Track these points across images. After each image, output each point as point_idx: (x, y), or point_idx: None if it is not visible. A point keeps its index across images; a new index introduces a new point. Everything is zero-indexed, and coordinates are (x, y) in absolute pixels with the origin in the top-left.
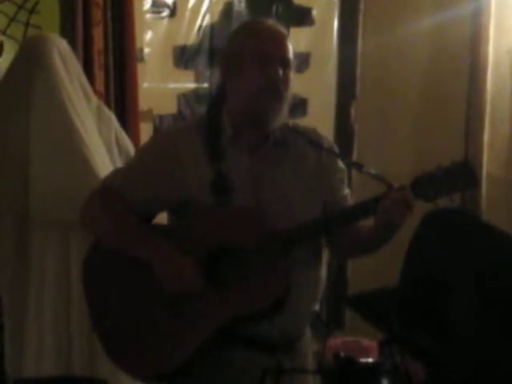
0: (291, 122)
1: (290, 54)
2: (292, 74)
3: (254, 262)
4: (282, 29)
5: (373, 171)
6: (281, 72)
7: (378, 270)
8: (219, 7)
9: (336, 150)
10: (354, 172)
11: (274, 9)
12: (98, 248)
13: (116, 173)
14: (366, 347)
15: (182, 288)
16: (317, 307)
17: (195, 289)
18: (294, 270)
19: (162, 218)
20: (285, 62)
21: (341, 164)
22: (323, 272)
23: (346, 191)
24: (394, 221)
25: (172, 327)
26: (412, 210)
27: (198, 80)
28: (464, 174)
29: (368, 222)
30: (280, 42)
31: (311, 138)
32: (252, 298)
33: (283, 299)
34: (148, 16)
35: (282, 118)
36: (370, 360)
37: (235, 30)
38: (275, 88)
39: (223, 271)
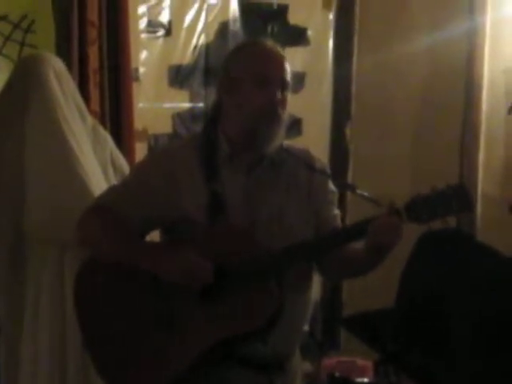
0: (285, 142)
1: (289, 77)
2: (289, 96)
3: (248, 282)
4: (281, 51)
5: (366, 193)
6: (279, 94)
7: (373, 290)
8: (214, 27)
9: (328, 171)
10: (348, 193)
11: (269, 29)
12: (90, 265)
13: (111, 190)
14: (361, 367)
15: (194, 278)
16: (306, 327)
17: (207, 276)
18: (286, 291)
19: (154, 236)
20: (284, 85)
21: (332, 186)
22: (313, 292)
23: (336, 212)
24: (384, 244)
25: (166, 345)
26: (401, 234)
27: (193, 100)
28: (459, 197)
29: (359, 244)
30: (280, 64)
31: (304, 160)
32: (245, 318)
33: (276, 319)
34: (143, 35)
35: (280, 140)
36: (366, 380)
37: (234, 50)
38: (274, 111)
39: (217, 290)
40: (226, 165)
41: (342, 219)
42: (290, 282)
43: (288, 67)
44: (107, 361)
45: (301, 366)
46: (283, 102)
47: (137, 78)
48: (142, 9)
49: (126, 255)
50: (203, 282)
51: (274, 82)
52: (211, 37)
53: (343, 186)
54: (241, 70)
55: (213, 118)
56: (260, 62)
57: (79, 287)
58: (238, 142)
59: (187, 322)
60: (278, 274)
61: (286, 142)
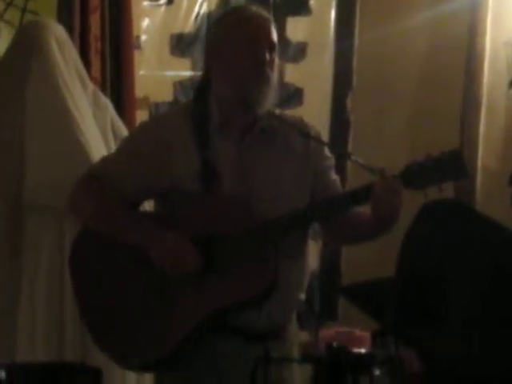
0: (277, 110)
1: (275, 39)
2: (277, 59)
3: (243, 251)
4: (266, 14)
5: (360, 160)
6: (268, 55)
7: (371, 260)
8: None
9: (322, 138)
10: (348, 163)
11: None
12: (86, 234)
13: (104, 160)
14: (358, 338)
15: (183, 269)
16: (303, 296)
17: (196, 269)
18: (281, 259)
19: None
20: (271, 46)
21: (327, 151)
22: (309, 261)
23: (335, 176)
24: (385, 208)
25: (160, 315)
26: (400, 198)
27: (194, 68)
28: (453, 163)
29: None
30: (265, 26)
31: (299, 127)
32: (240, 288)
33: (271, 288)
34: (145, 3)
35: (270, 102)
36: (363, 350)
37: (219, 17)
38: (263, 71)
39: (212, 260)
40: (218, 133)
41: (342, 187)
42: (285, 250)
43: (274, 29)
44: (101, 330)
45: (297, 335)
46: (271, 63)
47: (138, 46)
48: None
49: (116, 233)
50: (189, 270)
51: (260, 42)
52: (213, 5)
53: (338, 154)
54: (227, 34)
55: (203, 86)
56: (246, 24)
57: (75, 256)
58: (229, 106)
59: (182, 293)
60: (274, 243)
61: (278, 111)
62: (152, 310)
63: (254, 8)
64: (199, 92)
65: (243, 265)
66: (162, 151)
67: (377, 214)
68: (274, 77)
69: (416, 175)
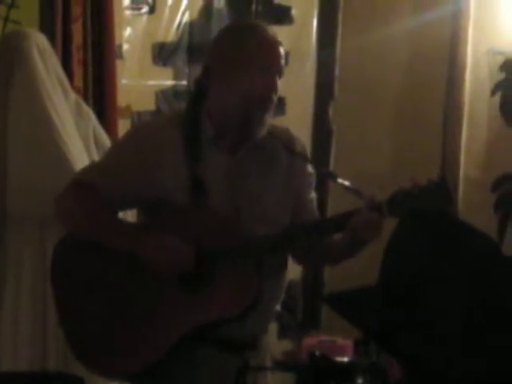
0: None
1: (283, 62)
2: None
3: (228, 268)
4: (276, 36)
5: (346, 183)
6: (277, 81)
7: (354, 269)
8: (199, 5)
9: (307, 154)
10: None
11: (253, 7)
12: (68, 243)
13: (90, 167)
14: (341, 347)
15: (175, 267)
16: (279, 307)
17: (189, 264)
18: (264, 275)
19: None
20: (280, 71)
21: (310, 168)
22: (291, 272)
23: (312, 195)
24: (363, 238)
25: (143, 328)
26: (381, 230)
27: (176, 77)
28: (439, 193)
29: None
30: (278, 52)
31: (285, 142)
32: (224, 305)
33: (255, 305)
34: (127, 12)
35: (267, 125)
36: (346, 359)
37: (230, 33)
38: (271, 98)
39: (197, 275)
40: (210, 146)
41: (324, 204)
42: (268, 266)
43: (283, 53)
44: (83, 342)
45: (270, 344)
46: (277, 87)
47: (120, 55)
48: None
49: (104, 234)
50: (182, 270)
51: (274, 69)
52: (195, 15)
53: (324, 174)
54: (238, 54)
55: (197, 99)
56: (260, 50)
57: (56, 264)
58: (226, 124)
59: (166, 307)
60: (259, 262)
61: (269, 124)
62: (136, 322)
63: (267, 29)
64: (193, 103)
65: (227, 282)
66: (150, 163)
67: (354, 240)
68: (275, 98)
69: (401, 205)
